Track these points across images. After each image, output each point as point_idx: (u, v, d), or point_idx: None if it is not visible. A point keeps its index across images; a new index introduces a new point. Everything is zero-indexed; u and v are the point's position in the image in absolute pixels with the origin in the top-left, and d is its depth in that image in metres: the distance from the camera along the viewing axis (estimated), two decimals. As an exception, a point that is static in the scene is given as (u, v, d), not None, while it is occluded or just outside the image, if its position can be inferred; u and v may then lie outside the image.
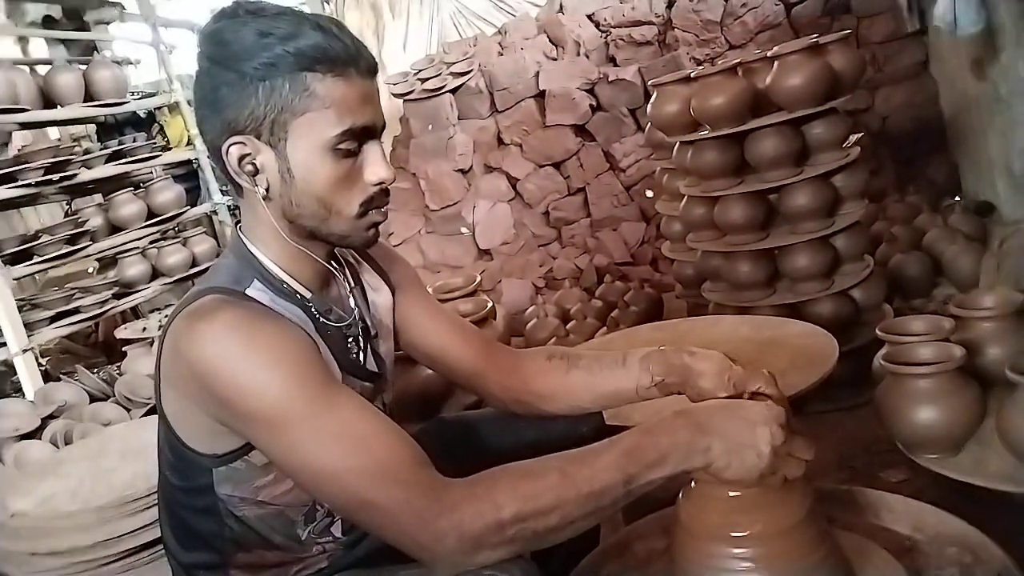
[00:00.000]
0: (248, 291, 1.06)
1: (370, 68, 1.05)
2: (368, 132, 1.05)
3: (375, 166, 1.06)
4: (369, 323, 1.24)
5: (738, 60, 2.51)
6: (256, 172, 1.04)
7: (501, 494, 0.91)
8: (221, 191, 4.76)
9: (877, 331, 1.73)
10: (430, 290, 2.55)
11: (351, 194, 1.06)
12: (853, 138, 2.58)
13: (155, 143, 4.80)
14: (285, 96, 1.00)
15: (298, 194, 1.05)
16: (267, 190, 1.05)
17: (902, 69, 4.26)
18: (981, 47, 3.11)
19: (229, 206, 4.84)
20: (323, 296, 1.16)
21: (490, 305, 2.21)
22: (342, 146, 1.03)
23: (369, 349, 1.23)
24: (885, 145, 4.21)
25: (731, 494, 1.04)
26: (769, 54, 2.42)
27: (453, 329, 1.34)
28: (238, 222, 1.16)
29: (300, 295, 1.12)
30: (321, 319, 1.13)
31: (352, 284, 1.24)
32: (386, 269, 1.32)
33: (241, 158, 1.04)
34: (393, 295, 1.32)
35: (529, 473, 0.94)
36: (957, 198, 3.75)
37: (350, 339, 1.19)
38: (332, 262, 1.19)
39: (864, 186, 2.54)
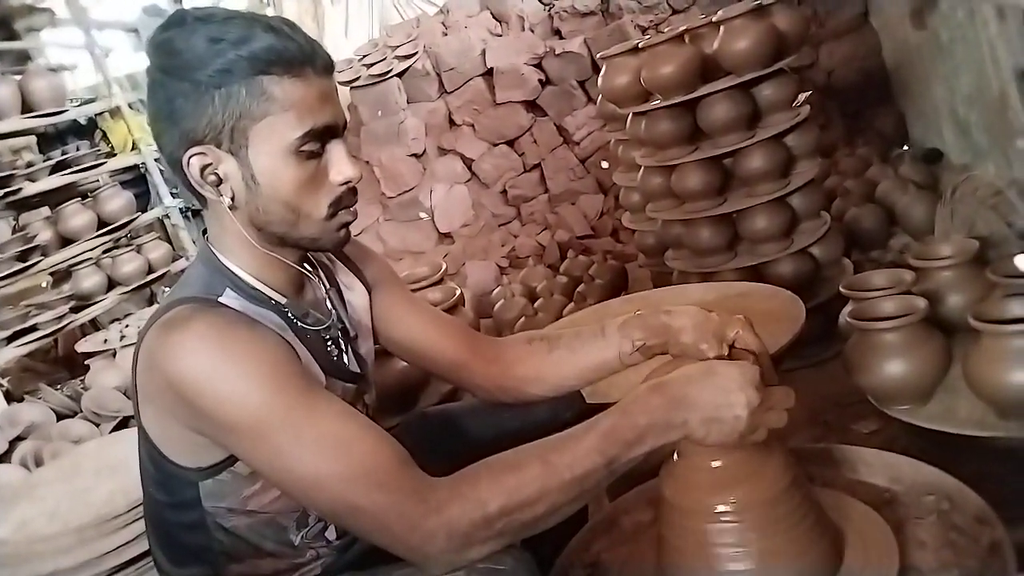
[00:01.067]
0: (222, 299, 1.05)
1: (326, 66, 1.04)
2: (330, 131, 1.04)
3: (340, 165, 1.05)
4: (347, 324, 1.23)
5: (684, 27, 2.52)
6: (220, 182, 1.03)
7: (486, 490, 0.92)
8: (171, 193, 4.67)
9: (841, 288, 1.76)
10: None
11: (318, 196, 1.05)
12: (802, 97, 2.60)
13: (99, 150, 4.67)
14: (243, 102, 0.98)
15: (264, 200, 1.03)
16: (232, 199, 1.04)
17: (843, 23, 4.31)
18: (920, -3, 3.16)
19: (181, 209, 4.74)
20: (299, 300, 1.15)
21: (459, 292, 2.21)
22: (305, 148, 1.01)
23: (350, 350, 1.22)
24: (832, 99, 4.27)
25: (714, 464, 1.06)
26: (714, 19, 2.43)
27: (433, 322, 1.34)
28: (204, 232, 1.13)
29: (275, 301, 1.10)
30: (299, 323, 1.12)
31: (328, 286, 1.23)
32: (360, 267, 1.31)
33: (203, 169, 1.02)
34: (369, 293, 1.31)
35: (512, 465, 0.95)
36: (906, 147, 3.82)
37: (329, 341, 1.18)
38: (305, 265, 1.18)
39: (816, 144, 2.58)
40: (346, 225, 1.10)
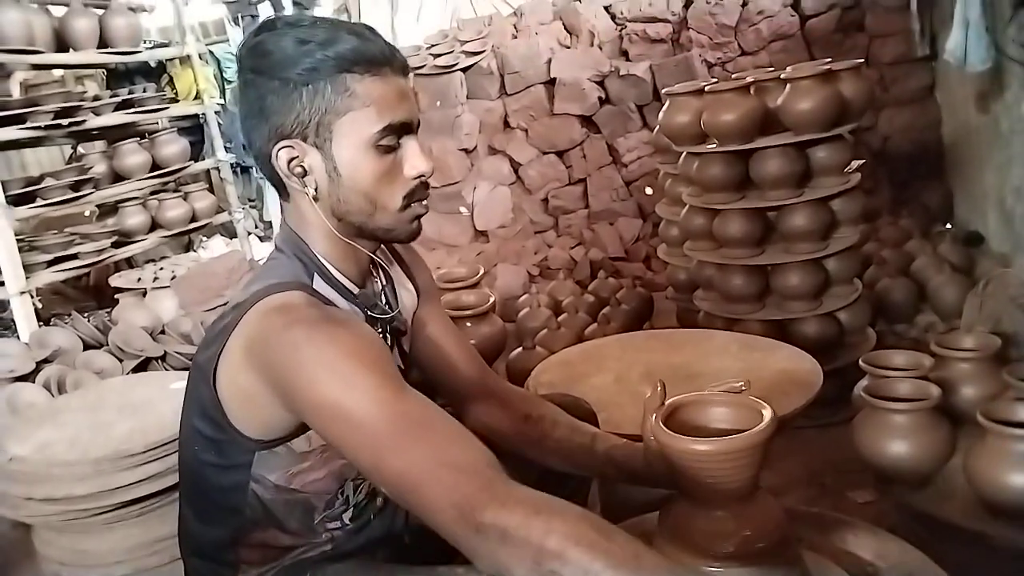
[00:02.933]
0: (314, 285, 1.12)
1: (403, 67, 1.11)
2: (406, 127, 1.11)
3: (414, 159, 1.12)
4: (399, 321, 1.29)
5: (751, 79, 2.56)
6: (305, 173, 1.10)
7: (561, 524, 0.86)
8: (225, 148, 4.76)
9: (860, 362, 1.80)
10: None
11: (393, 188, 1.12)
12: (854, 164, 2.64)
13: (164, 94, 4.78)
14: (328, 98, 1.06)
15: (345, 191, 1.10)
16: (316, 190, 1.11)
17: (908, 92, 4.31)
18: (987, 82, 3.17)
19: (232, 164, 4.84)
20: (365, 292, 1.22)
21: (492, 300, 2.27)
22: (383, 142, 1.09)
23: (397, 346, 1.29)
24: (884, 166, 4.27)
25: (713, 513, 1.11)
26: (782, 76, 2.47)
27: (461, 347, 1.41)
28: (282, 224, 1.20)
29: (350, 291, 1.18)
30: (369, 314, 1.19)
31: (384, 281, 1.30)
32: (414, 272, 1.38)
33: (290, 161, 1.09)
34: (418, 297, 1.37)
35: (601, 529, 0.88)
36: (948, 226, 3.83)
37: (387, 335, 1.25)
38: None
39: (860, 212, 2.61)
40: (418, 217, 1.17)
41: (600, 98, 4.74)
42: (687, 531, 1.12)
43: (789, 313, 2.53)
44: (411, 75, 1.15)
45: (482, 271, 2.40)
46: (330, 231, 1.14)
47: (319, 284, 1.14)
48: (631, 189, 4.70)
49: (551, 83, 4.81)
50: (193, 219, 4.30)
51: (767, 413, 1.09)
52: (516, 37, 5.03)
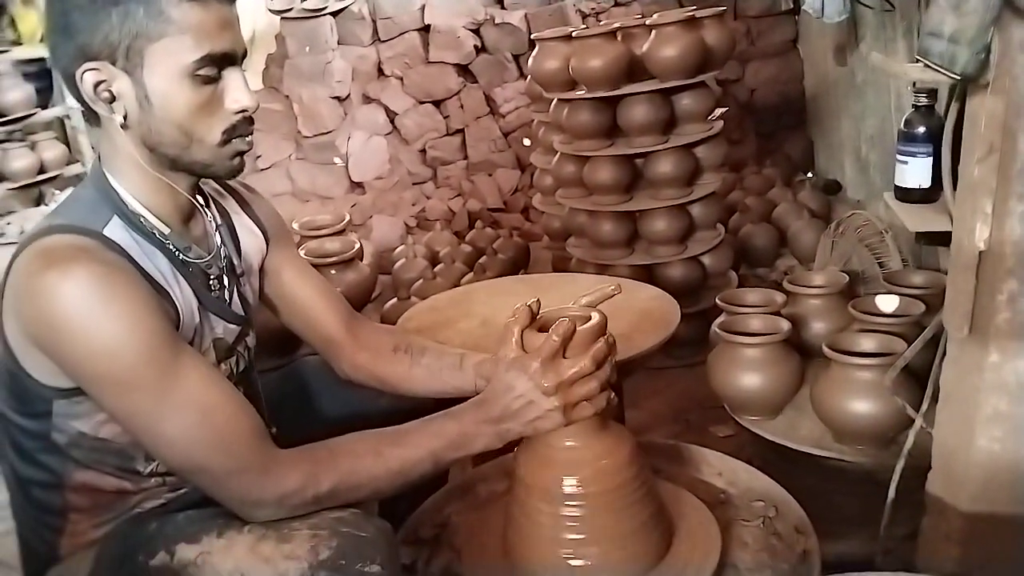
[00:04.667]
0: (106, 230, 1.04)
1: None
2: (228, 59, 1.05)
3: (236, 93, 1.06)
4: (236, 262, 1.24)
5: (618, 24, 2.57)
6: (113, 99, 1.02)
7: (323, 471, 1.03)
8: (76, 95, 4.45)
9: (716, 300, 1.86)
10: (295, 225, 2.54)
11: (212, 121, 1.05)
12: (718, 112, 2.71)
13: (4, 36, 4.41)
14: (140, 20, 0.98)
15: (157, 121, 1.03)
16: (125, 118, 1.03)
17: (773, 45, 4.46)
18: (844, 34, 3.30)
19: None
20: (185, 231, 1.15)
21: (357, 246, 2.21)
22: (201, 72, 1.02)
23: (235, 289, 1.23)
24: (750, 116, 4.42)
25: (567, 444, 1.12)
26: (648, 22, 2.50)
27: (319, 291, 1.38)
28: (98, 154, 1.12)
29: (158, 231, 1.10)
30: (181, 256, 1.12)
31: (219, 221, 1.23)
32: (259, 215, 1.32)
33: (96, 85, 1.01)
34: (267, 242, 1.32)
35: (350, 451, 1.07)
36: (809, 174, 4.01)
37: (212, 278, 1.18)
38: (198, 197, 1.18)
39: (723, 159, 2.69)
40: (240, 154, 1.11)
41: (476, 47, 4.68)
42: (544, 464, 1.13)
43: (656, 258, 2.59)
44: (236, 2, 1.07)
45: (348, 218, 2.34)
46: (139, 163, 1.07)
47: (115, 226, 1.06)
48: (509, 140, 4.69)
49: (425, 30, 4.71)
50: (42, 171, 4.02)
51: (596, 316, 1.14)
52: (389, -18, 4.88)
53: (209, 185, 1.26)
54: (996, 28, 1.05)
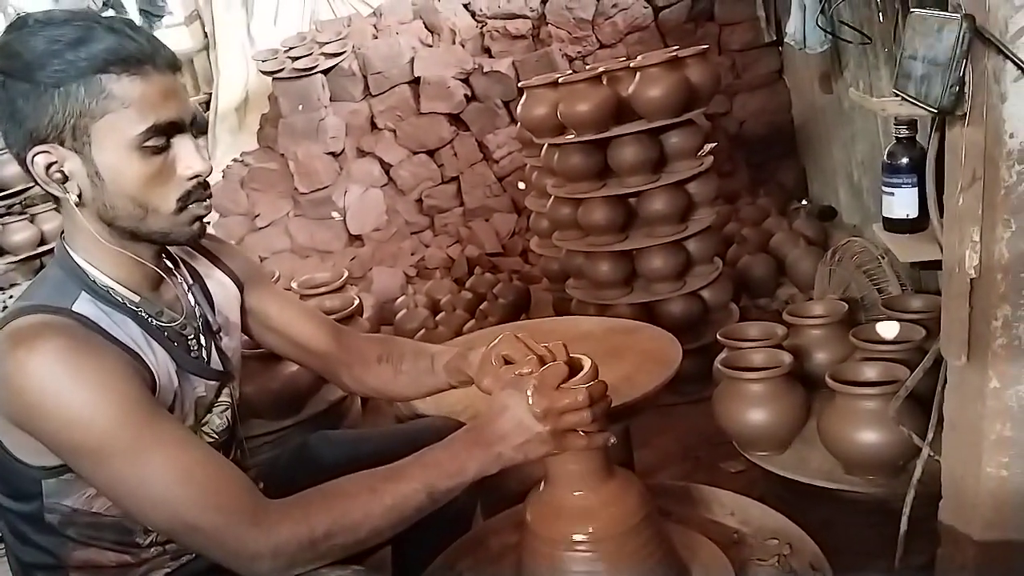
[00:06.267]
0: (75, 306, 1.05)
1: (169, 63, 1.06)
2: (176, 127, 1.07)
3: (188, 159, 1.08)
4: (211, 319, 1.25)
5: (603, 68, 2.62)
6: (65, 179, 1.04)
7: (315, 514, 1.02)
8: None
9: (718, 336, 1.87)
10: (294, 284, 2.55)
11: (166, 190, 1.07)
12: (707, 147, 2.74)
13: (1, 112, 4.48)
14: (82, 101, 1.01)
15: (110, 196, 1.05)
16: (80, 196, 1.05)
17: (759, 77, 4.51)
18: (828, 62, 3.34)
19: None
20: (156, 297, 1.17)
21: (357, 302, 2.23)
22: (149, 143, 1.04)
23: (213, 346, 1.24)
24: (741, 149, 4.46)
25: (575, 494, 1.12)
26: (632, 64, 2.54)
27: (303, 315, 1.43)
28: (62, 233, 1.14)
29: (128, 301, 1.12)
30: (154, 322, 1.13)
31: (191, 281, 1.25)
32: (229, 264, 1.35)
33: (48, 166, 1.03)
34: (241, 290, 1.34)
35: (342, 492, 1.06)
36: (804, 202, 4.03)
37: (190, 338, 1.20)
38: (168, 261, 1.21)
39: (716, 193, 2.71)
40: (199, 218, 1.12)
41: (466, 95, 4.75)
42: (553, 514, 1.13)
43: (655, 295, 2.60)
44: (180, 71, 1.10)
45: (346, 274, 2.35)
46: (99, 239, 1.09)
47: (84, 301, 1.07)
48: (504, 184, 4.73)
49: (415, 82, 4.78)
50: (42, 242, 4.06)
51: (587, 361, 1.14)
52: (376, 37, 4.97)
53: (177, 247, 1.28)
54: (969, 59, 1.07)
